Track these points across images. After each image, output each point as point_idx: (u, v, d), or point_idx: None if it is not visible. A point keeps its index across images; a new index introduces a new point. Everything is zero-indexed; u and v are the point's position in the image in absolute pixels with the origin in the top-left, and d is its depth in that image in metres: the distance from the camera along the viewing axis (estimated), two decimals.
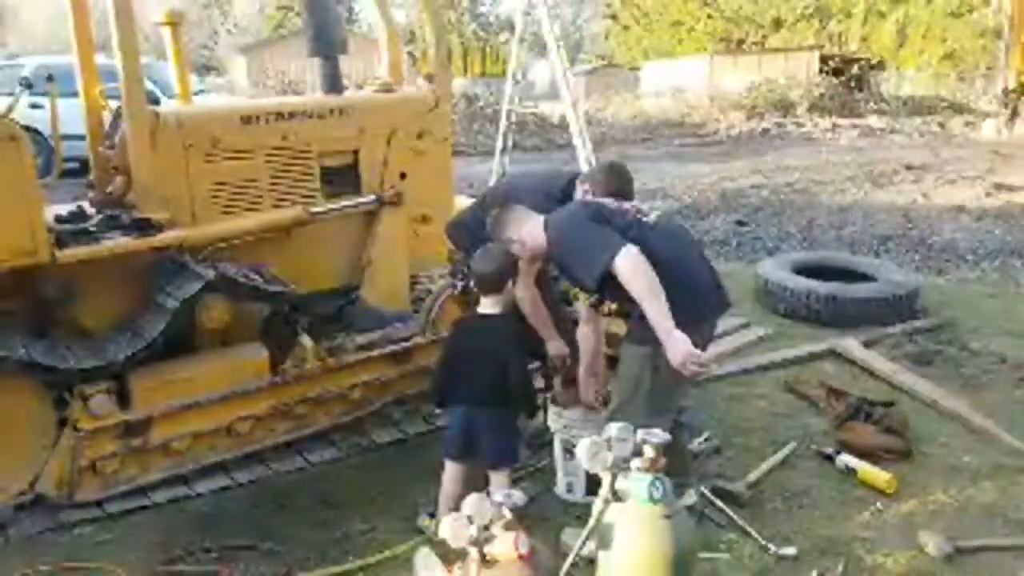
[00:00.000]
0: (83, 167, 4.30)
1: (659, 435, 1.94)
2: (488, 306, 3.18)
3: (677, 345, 2.62)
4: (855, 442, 3.87)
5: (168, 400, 3.49)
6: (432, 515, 3.28)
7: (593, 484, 3.39)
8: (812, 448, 3.91)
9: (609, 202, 3.07)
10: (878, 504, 3.44)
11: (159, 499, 3.50)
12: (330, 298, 4.18)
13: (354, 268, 4.19)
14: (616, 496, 1.90)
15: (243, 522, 3.36)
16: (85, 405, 3.33)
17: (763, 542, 3.14)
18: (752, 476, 3.63)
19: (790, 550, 3.09)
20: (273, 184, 3.92)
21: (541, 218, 3.06)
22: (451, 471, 3.25)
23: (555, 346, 3.52)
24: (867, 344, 5.23)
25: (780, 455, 3.84)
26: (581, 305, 3.40)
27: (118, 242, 3.37)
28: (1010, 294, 6.47)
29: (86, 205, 3.72)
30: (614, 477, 1.91)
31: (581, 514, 3.34)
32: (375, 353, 4.01)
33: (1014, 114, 17.17)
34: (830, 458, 3.79)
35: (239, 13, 38.20)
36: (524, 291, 3.36)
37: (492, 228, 3.17)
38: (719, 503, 3.36)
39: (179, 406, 3.51)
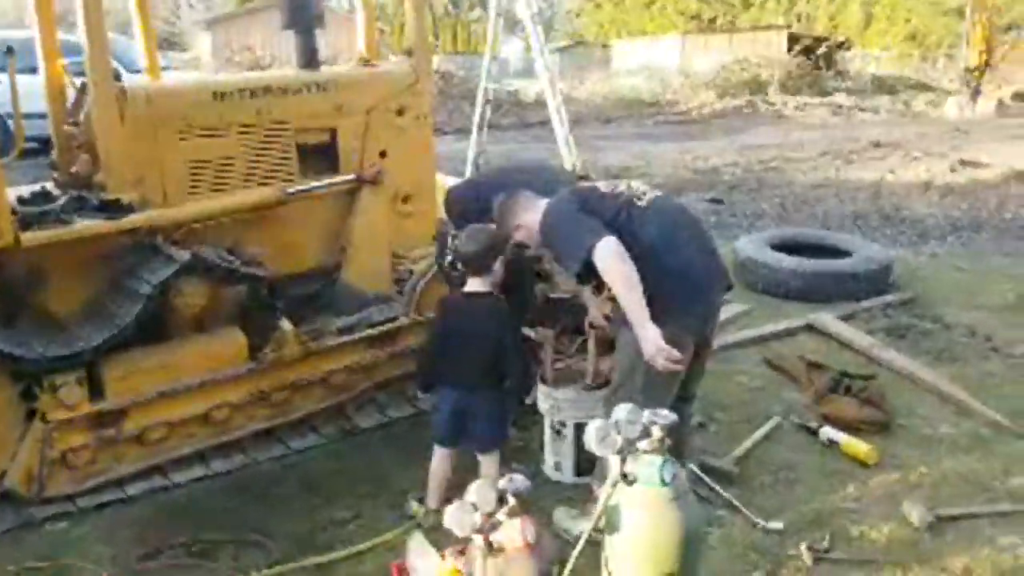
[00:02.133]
0: (43, 146, 4.14)
1: (667, 416, 1.91)
2: (476, 285, 3.13)
3: (648, 339, 2.65)
4: (836, 415, 3.90)
5: (142, 389, 3.38)
6: (421, 500, 3.24)
7: (581, 464, 3.41)
8: (794, 422, 3.94)
9: (603, 185, 3.06)
10: (861, 476, 3.48)
11: (134, 492, 3.39)
12: (309, 280, 4.08)
13: (334, 249, 4.10)
14: (625, 478, 1.86)
15: (224, 513, 3.28)
16: (54, 395, 3.20)
17: (751, 517, 3.15)
18: (737, 451, 3.64)
19: (778, 524, 3.11)
20: (248, 163, 3.80)
21: (543, 204, 3.05)
22: (440, 456, 3.21)
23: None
24: (843, 318, 5.28)
25: (763, 430, 3.86)
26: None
27: (86, 224, 3.24)
28: (977, 268, 6.58)
29: (50, 186, 3.59)
30: (623, 460, 1.88)
31: (571, 494, 3.34)
32: (357, 336, 3.93)
33: (976, 92, 17.42)
34: (813, 432, 3.82)
35: None
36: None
37: (499, 217, 3.16)
38: (707, 479, 3.36)
39: (153, 395, 3.40)
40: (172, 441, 3.52)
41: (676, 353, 2.65)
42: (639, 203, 2.94)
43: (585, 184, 3.17)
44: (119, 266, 3.40)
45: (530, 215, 3.07)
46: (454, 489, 3.18)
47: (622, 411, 1.91)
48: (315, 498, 3.40)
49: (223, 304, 3.63)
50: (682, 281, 2.84)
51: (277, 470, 3.63)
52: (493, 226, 3.19)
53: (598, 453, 1.91)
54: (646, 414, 1.91)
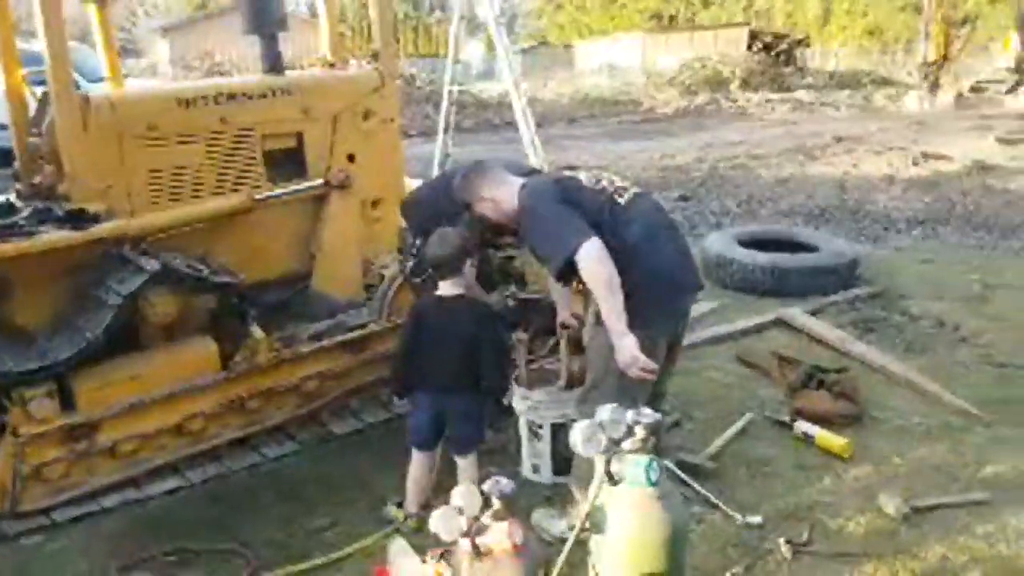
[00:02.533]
0: (5, 158, 4.05)
1: (650, 415, 1.91)
2: (448, 288, 3.12)
3: (624, 347, 2.63)
4: (809, 409, 3.94)
5: (113, 400, 3.33)
6: (399, 505, 3.22)
7: (559, 464, 3.41)
8: (768, 417, 3.98)
9: (585, 178, 3.02)
10: (836, 469, 3.52)
11: (109, 504, 3.34)
12: (280, 287, 4.04)
13: (304, 255, 4.07)
14: (611, 478, 1.87)
15: (200, 523, 3.24)
16: (25, 409, 3.14)
17: (730, 512, 3.18)
18: (713, 448, 3.67)
19: (756, 518, 3.14)
20: (214, 170, 3.76)
21: (518, 181, 3.01)
22: (419, 460, 3.20)
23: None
24: (813, 313, 5.35)
25: (738, 425, 3.89)
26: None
27: (52, 236, 3.18)
28: (942, 260, 6.70)
29: (13, 198, 3.51)
30: (609, 460, 1.88)
31: (549, 495, 3.34)
32: (329, 342, 3.90)
33: (935, 86, 17.79)
34: (787, 426, 3.86)
35: None
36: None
37: (463, 185, 3.09)
38: (684, 476, 3.38)
39: (126, 406, 3.35)
40: (146, 452, 3.46)
41: (651, 363, 2.65)
42: (620, 201, 2.92)
43: (566, 174, 3.12)
44: (87, 277, 3.34)
45: (500, 191, 3.02)
46: (434, 493, 3.19)
47: (606, 411, 1.91)
48: (292, 506, 3.36)
49: (194, 313, 3.58)
50: (660, 282, 2.84)
51: (253, 479, 3.58)
52: (461, 228, 3.17)
53: (584, 454, 1.91)
54: (630, 414, 1.91)
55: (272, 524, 3.24)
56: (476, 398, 3.12)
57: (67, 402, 3.26)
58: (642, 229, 2.86)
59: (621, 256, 2.70)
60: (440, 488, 3.24)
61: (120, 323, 3.25)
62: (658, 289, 2.81)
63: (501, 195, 3.02)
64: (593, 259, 2.67)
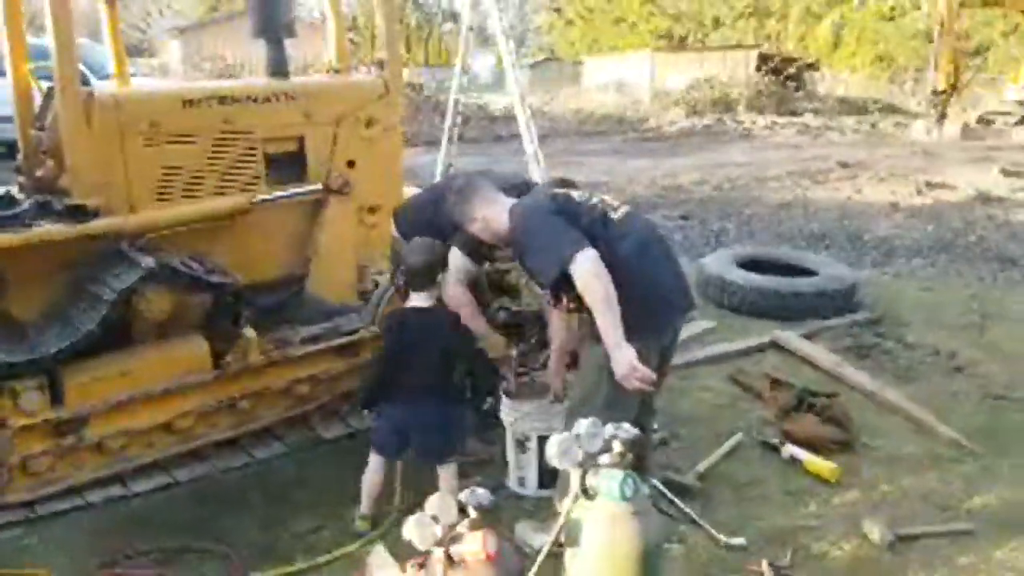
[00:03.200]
0: (9, 151, 4.07)
1: (628, 430, 1.91)
2: (421, 300, 3.12)
3: (622, 358, 2.59)
4: (799, 433, 3.94)
5: (103, 396, 3.34)
6: (364, 518, 3.25)
7: (545, 478, 3.41)
8: (757, 439, 3.97)
9: (577, 195, 3.01)
10: (823, 493, 3.51)
11: (94, 499, 3.34)
12: (275, 289, 4.05)
13: (300, 258, 4.07)
14: (586, 493, 1.86)
15: (185, 522, 3.24)
16: (15, 402, 3.15)
17: (713, 533, 3.17)
18: (700, 467, 3.66)
19: (739, 540, 3.13)
20: (215, 170, 3.77)
21: (509, 201, 3.00)
22: (375, 464, 3.23)
23: (494, 343, 3.53)
24: (808, 336, 5.35)
25: (727, 446, 3.88)
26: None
27: (50, 229, 3.20)
28: (941, 289, 6.69)
29: (14, 190, 3.53)
30: (584, 474, 1.87)
31: (533, 508, 3.34)
32: (321, 346, 3.91)
33: (942, 115, 17.82)
34: (775, 449, 3.85)
35: None
36: (460, 296, 3.34)
37: (454, 204, 3.08)
38: (669, 495, 3.37)
39: (115, 402, 3.36)
40: (133, 449, 3.47)
41: (650, 374, 2.62)
42: (614, 215, 2.91)
43: (559, 190, 3.11)
44: (83, 272, 3.36)
45: (492, 210, 2.99)
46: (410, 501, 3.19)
47: (583, 425, 1.91)
48: (278, 508, 3.36)
49: (187, 312, 3.59)
50: (653, 298, 2.82)
51: (240, 479, 3.59)
52: (437, 240, 3.17)
53: (559, 467, 1.91)
54: (608, 428, 1.91)
55: (257, 526, 3.24)
56: (446, 409, 3.13)
57: (57, 396, 3.26)
58: (635, 244, 2.84)
59: (614, 270, 2.66)
60: (419, 494, 3.25)
61: (113, 319, 3.26)
62: (650, 304, 2.79)
63: (491, 214, 2.99)
64: (589, 270, 2.63)
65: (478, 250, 3.36)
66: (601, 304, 2.62)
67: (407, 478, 3.32)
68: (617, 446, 1.88)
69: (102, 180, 3.42)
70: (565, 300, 2.89)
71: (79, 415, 3.29)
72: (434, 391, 3.07)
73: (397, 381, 3.12)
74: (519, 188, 3.30)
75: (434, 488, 3.10)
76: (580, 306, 2.77)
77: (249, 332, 3.68)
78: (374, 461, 3.23)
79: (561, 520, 1.90)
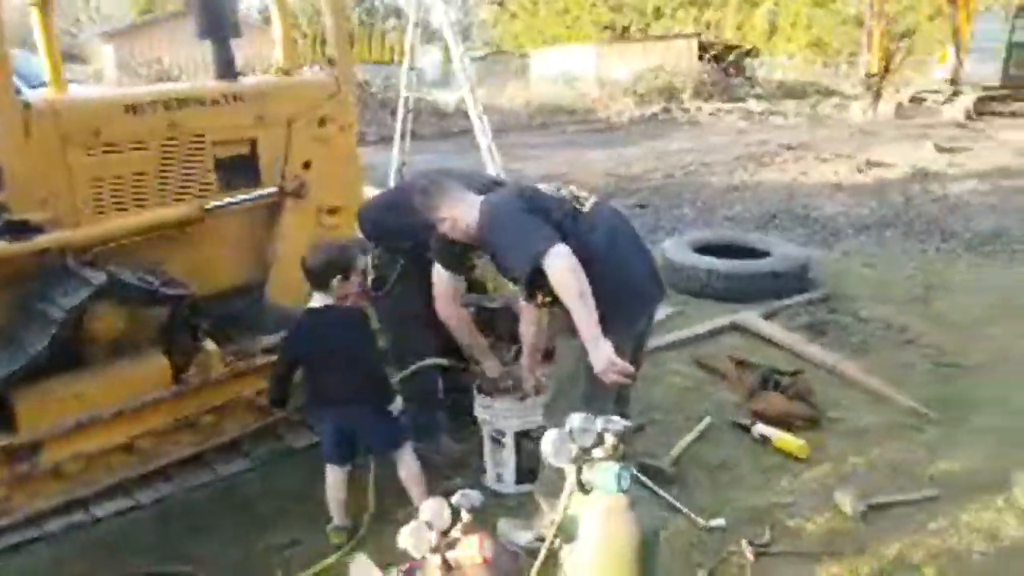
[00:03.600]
0: None
1: (619, 422, 1.90)
2: (318, 300, 3.08)
3: (600, 353, 2.56)
4: (766, 411, 3.99)
5: (58, 419, 3.21)
6: (338, 529, 3.20)
7: (523, 474, 3.39)
8: (727, 420, 4.01)
9: (545, 188, 2.98)
10: (794, 470, 3.57)
11: (54, 528, 3.20)
12: (233, 298, 3.94)
13: (258, 265, 3.98)
14: (582, 487, 1.84)
15: (152, 546, 3.14)
16: None
17: (692, 516, 3.19)
18: (674, 452, 3.68)
19: (719, 521, 3.15)
20: (164, 178, 3.66)
21: (476, 199, 2.96)
22: (332, 473, 3.18)
23: (491, 367, 3.50)
24: (766, 316, 5.43)
25: (697, 430, 3.92)
26: (525, 304, 3.27)
27: None
28: (887, 264, 6.86)
29: None
30: (580, 469, 1.85)
31: (513, 505, 3.32)
32: None
33: (876, 96, 18.29)
34: (745, 429, 3.90)
35: None
36: (447, 311, 3.31)
37: (421, 204, 3.03)
38: (647, 481, 3.38)
39: (71, 425, 3.23)
40: (93, 473, 3.34)
41: (628, 367, 2.60)
42: (583, 208, 2.88)
43: (526, 185, 3.08)
44: (28, 290, 3.22)
45: (459, 209, 2.95)
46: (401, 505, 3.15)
47: (576, 419, 1.89)
48: (249, 524, 3.28)
49: (143, 327, 3.48)
50: (626, 289, 2.81)
51: (207, 497, 3.49)
52: (336, 242, 3.14)
53: (555, 464, 1.88)
54: (599, 421, 1.90)
55: (229, 544, 3.16)
56: (372, 403, 3.09)
57: (7, 422, 3.13)
58: (606, 236, 2.83)
59: (586, 263, 2.63)
60: (402, 503, 3.22)
61: (64, 338, 3.14)
62: (623, 295, 2.77)
63: (459, 213, 2.95)
64: (562, 266, 2.59)
65: (458, 260, 3.29)
66: (576, 300, 2.57)
67: (379, 480, 3.25)
68: (609, 439, 1.87)
69: (44, 193, 3.29)
70: (539, 295, 2.86)
71: (33, 441, 3.16)
72: (362, 389, 3.04)
73: (323, 386, 3.08)
74: (486, 186, 3.26)
75: (404, 496, 3.11)
76: (554, 300, 2.74)
77: (209, 345, 3.58)
78: (329, 472, 3.19)
79: (558, 517, 1.88)
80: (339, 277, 3.04)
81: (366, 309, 3.35)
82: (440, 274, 3.29)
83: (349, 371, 3.02)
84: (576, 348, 2.67)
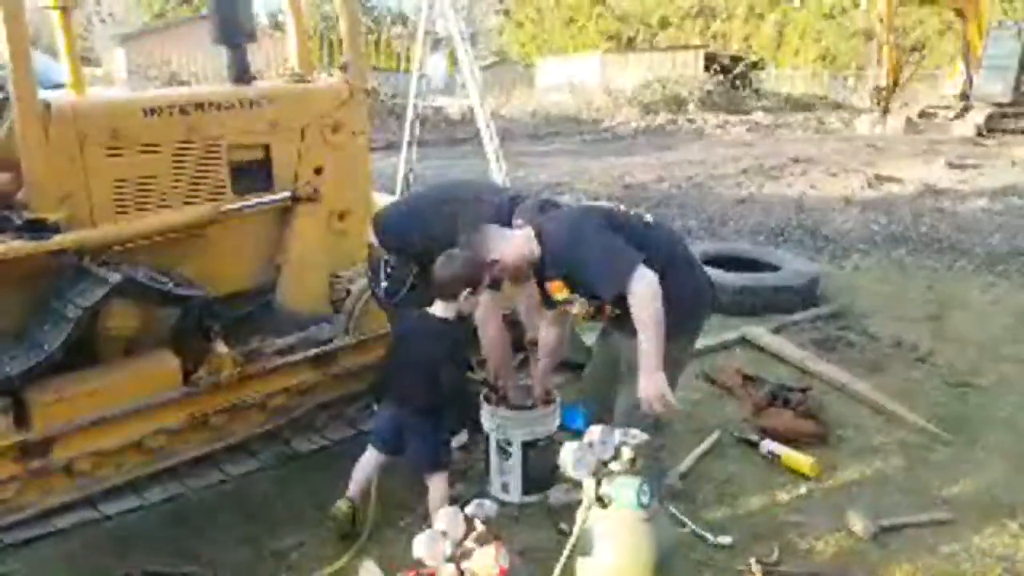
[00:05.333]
0: None
1: (637, 436, 1.90)
2: (438, 310, 3.09)
3: (654, 384, 2.64)
4: (775, 428, 3.97)
5: (71, 417, 3.21)
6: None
7: (529, 483, 3.38)
8: (735, 435, 4.00)
9: (610, 205, 3.07)
10: (803, 488, 3.55)
11: (65, 525, 3.21)
12: (244, 300, 3.95)
13: (269, 268, 3.99)
14: (600, 501, 1.84)
15: (160, 545, 3.13)
16: None
17: (700, 532, 3.17)
18: (682, 467, 3.67)
19: (726, 539, 3.14)
20: (179, 181, 3.66)
21: (522, 232, 2.98)
22: (370, 455, 3.21)
23: (515, 393, 3.50)
24: (775, 331, 5.41)
25: (706, 444, 3.90)
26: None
27: (10, 245, 3.06)
28: (898, 280, 6.84)
29: None
30: (599, 483, 1.85)
31: (519, 514, 3.31)
32: (295, 357, 3.83)
33: (886, 110, 18.30)
34: (753, 445, 3.88)
35: (114, 1, 36.02)
36: (494, 332, 3.33)
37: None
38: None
39: (83, 423, 3.23)
40: (104, 471, 3.35)
41: (675, 403, 2.71)
42: (647, 221, 3.00)
43: (593, 204, 3.17)
44: (46, 289, 3.23)
45: (506, 247, 2.96)
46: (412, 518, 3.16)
47: (596, 432, 1.89)
48: (256, 526, 3.28)
49: (156, 327, 3.49)
50: (694, 301, 2.96)
51: (215, 498, 3.48)
52: (469, 254, 3.10)
53: (575, 476, 1.88)
54: (617, 434, 1.89)
55: (235, 545, 3.15)
56: (434, 423, 3.10)
57: (22, 419, 3.13)
58: (673, 248, 2.97)
59: (663, 273, 2.73)
60: (404, 507, 3.23)
61: (79, 337, 3.15)
62: (692, 307, 2.93)
63: (507, 250, 2.96)
64: (647, 294, 2.66)
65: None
66: (653, 327, 2.65)
67: (383, 493, 3.26)
68: (627, 452, 1.86)
69: (62, 193, 3.30)
70: (608, 309, 2.92)
71: (46, 437, 3.17)
72: (424, 400, 3.04)
73: (394, 381, 3.13)
74: (515, 200, 3.30)
75: (408, 502, 3.12)
76: (620, 316, 2.80)
77: (220, 346, 3.58)
78: (369, 451, 3.22)
79: (576, 530, 1.88)
80: (469, 291, 3.05)
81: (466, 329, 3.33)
82: (485, 296, 3.25)
83: (421, 380, 3.03)
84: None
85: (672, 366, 2.75)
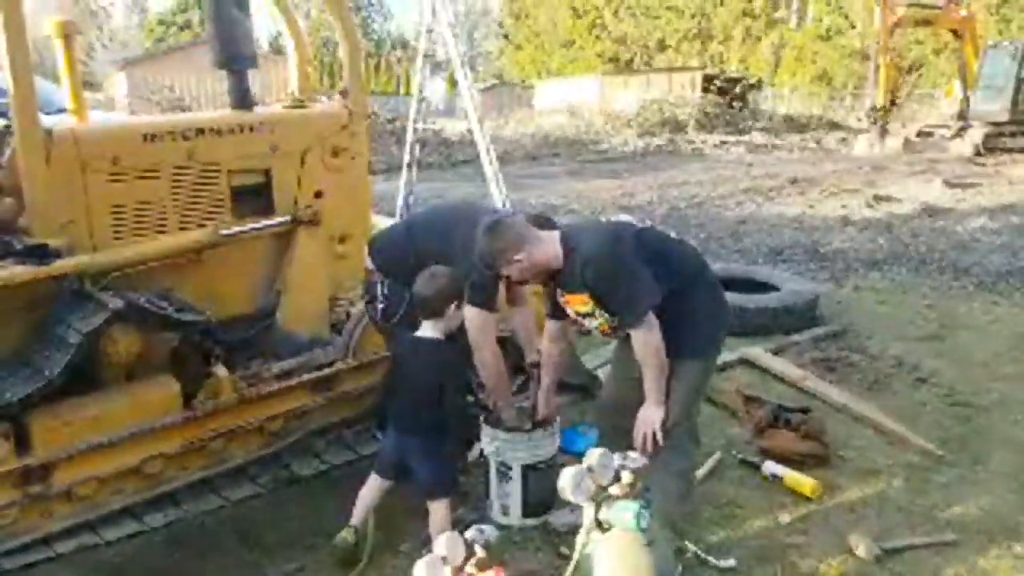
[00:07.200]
0: None
1: (636, 460, 1.90)
2: (427, 330, 3.09)
3: (652, 416, 2.87)
4: (776, 449, 3.95)
5: (71, 442, 3.20)
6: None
7: (528, 507, 3.36)
8: (736, 457, 3.98)
9: (636, 223, 3.19)
10: (805, 509, 3.52)
11: (64, 550, 3.19)
12: (244, 324, 3.95)
13: (269, 292, 4.00)
14: (600, 525, 1.84)
15: (159, 570, 3.12)
16: None
17: (702, 555, 3.15)
18: None
19: (729, 561, 3.11)
20: (179, 205, 3.69)
21: (550, 234, 3.01)
22: (373, 481, 3.20)
23: (509, 416, 3.48)
24: (776, 352, 5.40)
25: (707, 466, 3.88)
26: (551, 322, 3.30)
27: (12, 271, 3.07)
28: (898, 300, 6.84)
29: None
30: (598, 507, 1.85)
31: (519, 538, 3.29)
32: (295, 381, 3.82)
33: (883, 130, 18.40)
34: (755, 466, 3.87)
35: (116, 27, 36.38)
36: (489, 355, 3.30)
37: (486, 244, 2.99)
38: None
39: (83, 448, 3.23)
40: (103, 496, 3.34)
41: (660, 437, 2.92)
42: (675, 237, 3.16)
43: (619, 222, 3.27)
44: (47, 314, 3.24)
45: (539, 247, 2.94)
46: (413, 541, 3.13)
47: (594, 456, 1.89)
48: (256, 551, 3.26)
49: (156, 351, 3.49)
50: (720, 312, 3.13)
51: (214, 523, 3.46)
52: (450, 269, 3.13)
53: (573, 500, 1.88)
54: (616, 457, 1.89)
55: (236, 570, 3.14)
56: (439, 446, 3.09)
57: (22, 444, 3.13)
58: (700, 262, 3.11)
59: (696, 287, 2.98)
60: (404, 532, 3.22)
61: (80, 362, 3.15)
62: (720, 317, 3.11)
63: (536, 250, 2.95)
64: (651, 342, 2.85)
65: (493, 297, 3.28)
66: (656, 369, 2.89)
67: (379, 522, 3.24)
68: (626, 476, 1.86)
69: (63, 218, 3.32)
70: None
71: (47, 462, 3.16)
72: (428, 424, 3.03)
73: (396, 407, 3.13)
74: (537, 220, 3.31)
75: (408, 527, 3.12)
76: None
77: (220, 370, 3.58)
78: (371, 478, 3.21)
79: (576, 555, 1.87)
80: (454, 305, 3.06)
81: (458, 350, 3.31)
82: (477, 312, 3.23)
83: (420, 403, 3.04)
84: (694, 371, 3.00)
85: (704, 378, 3.04)
